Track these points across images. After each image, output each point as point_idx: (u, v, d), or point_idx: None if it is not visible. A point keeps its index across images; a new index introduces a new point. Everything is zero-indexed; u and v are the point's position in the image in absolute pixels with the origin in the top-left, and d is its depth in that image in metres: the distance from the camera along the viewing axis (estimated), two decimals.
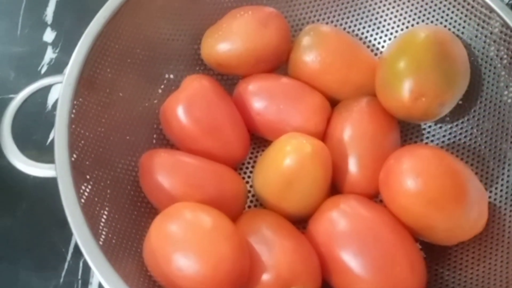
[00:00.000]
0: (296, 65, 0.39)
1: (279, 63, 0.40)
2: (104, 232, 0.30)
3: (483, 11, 0.35)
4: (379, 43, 0.42)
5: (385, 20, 0.41)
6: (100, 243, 0.28)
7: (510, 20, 0.34)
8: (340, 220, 0.32)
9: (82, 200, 0.29)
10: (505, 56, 0.35)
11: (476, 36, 0.36)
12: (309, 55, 0.38)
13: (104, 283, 0.27)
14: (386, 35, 0.42)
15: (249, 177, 0.40)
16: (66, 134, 0.30)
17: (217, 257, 0.28)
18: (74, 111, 0.31)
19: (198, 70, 0.41)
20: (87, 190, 0.31)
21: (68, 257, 0.37)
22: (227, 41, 0.38)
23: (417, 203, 0.32)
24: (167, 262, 0.29)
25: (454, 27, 0.37)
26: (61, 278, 0.37)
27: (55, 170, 0.29)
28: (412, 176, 0.31)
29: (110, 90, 0.35)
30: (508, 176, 0.34)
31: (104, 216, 0.31)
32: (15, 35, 0.46)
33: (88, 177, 0.31)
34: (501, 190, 0.34)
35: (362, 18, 0.42)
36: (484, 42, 0.36)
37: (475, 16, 0.36)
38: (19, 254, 0.38)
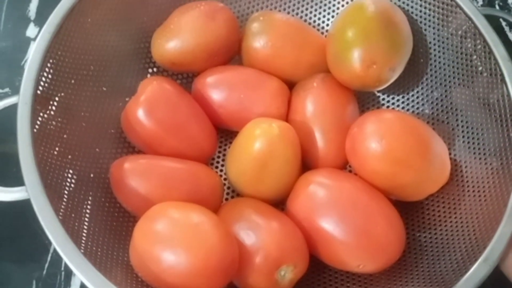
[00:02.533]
0: (248, 53, 0.40)
1: (231, 55, 0.41)
2: (88, 247, 0.30)
3: None
4: (323, 22, 0.43)
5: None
6: (87, 258, 0.28)
7: None
8: (317, 193, 0.33)
9: (60, 217, 0.28)
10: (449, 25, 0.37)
11: (421, 5, 0.38)
12: (260, 41, 0.39)
13: None
14: (329, 13, 0.43)
15: (221, 170, 0.40)
16: (31, 153, 0.29)
17: (207, 249, 0.28)
18: (35, 130, 0.30)
19: (152, 73, 0.41)
20: (62, 207, 0.30)
21: (51, 249, 0.36)
22: (177, 39, 0.38)
23: (384, 164, 0.33)
24: (157, 263, 0.29)
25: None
26: (44, 270, 0.36)
27: (26, 192, 0.28)
28: (377, 139, 0.33)
29: (68, 104, 0.34)
30: (462, 132, 0.36)
31: (84, 231, 0.31)
32: None
33: (61, 194, 0.31)
34: (459, 146, 0.36)
35: (304, 0, 0.43)
36: (425, 8, 0.38)
37: None
38: (0, 245, 0.36)
